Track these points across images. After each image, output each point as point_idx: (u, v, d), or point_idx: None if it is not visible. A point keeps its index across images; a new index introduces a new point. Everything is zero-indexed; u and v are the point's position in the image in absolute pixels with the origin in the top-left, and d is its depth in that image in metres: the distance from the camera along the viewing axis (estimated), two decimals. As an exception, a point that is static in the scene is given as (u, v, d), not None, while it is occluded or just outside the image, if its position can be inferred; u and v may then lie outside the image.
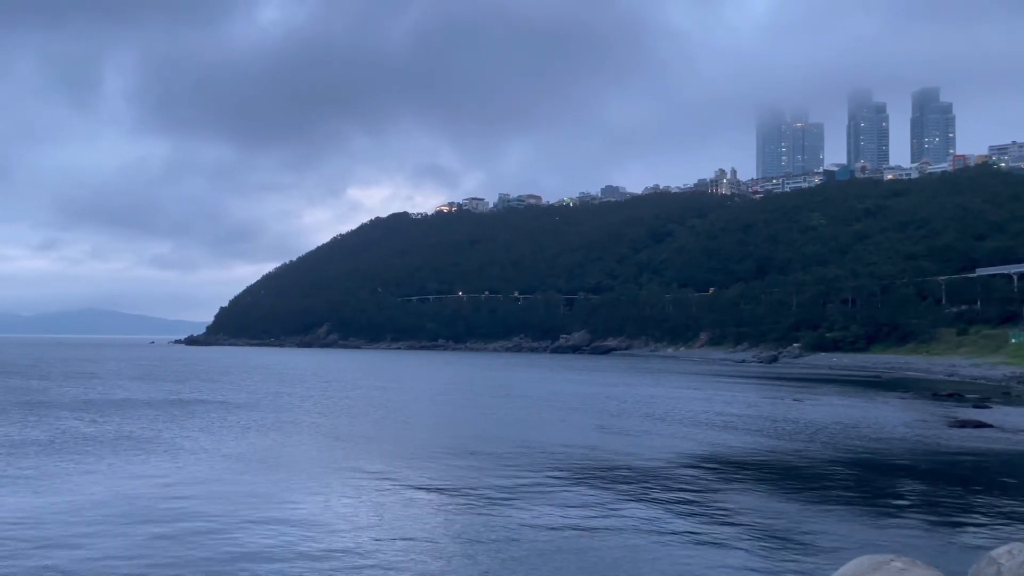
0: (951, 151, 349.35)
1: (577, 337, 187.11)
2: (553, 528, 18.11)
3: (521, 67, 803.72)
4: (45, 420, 38.18)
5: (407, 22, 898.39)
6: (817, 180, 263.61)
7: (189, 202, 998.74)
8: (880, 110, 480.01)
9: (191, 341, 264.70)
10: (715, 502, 21.08)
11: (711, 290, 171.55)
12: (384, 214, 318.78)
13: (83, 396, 52.04)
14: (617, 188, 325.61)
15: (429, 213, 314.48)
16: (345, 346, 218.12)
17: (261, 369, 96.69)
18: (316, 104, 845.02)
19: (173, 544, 16.40)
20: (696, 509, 20.19)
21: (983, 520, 19.31)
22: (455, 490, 22.47)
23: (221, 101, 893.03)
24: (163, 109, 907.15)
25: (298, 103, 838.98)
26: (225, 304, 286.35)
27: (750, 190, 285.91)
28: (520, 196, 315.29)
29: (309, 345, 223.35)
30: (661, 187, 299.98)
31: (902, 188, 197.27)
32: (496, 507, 20.22)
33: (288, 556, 15.78)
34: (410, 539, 17.17)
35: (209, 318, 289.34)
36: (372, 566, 15.25)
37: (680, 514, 19.60)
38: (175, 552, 15.85)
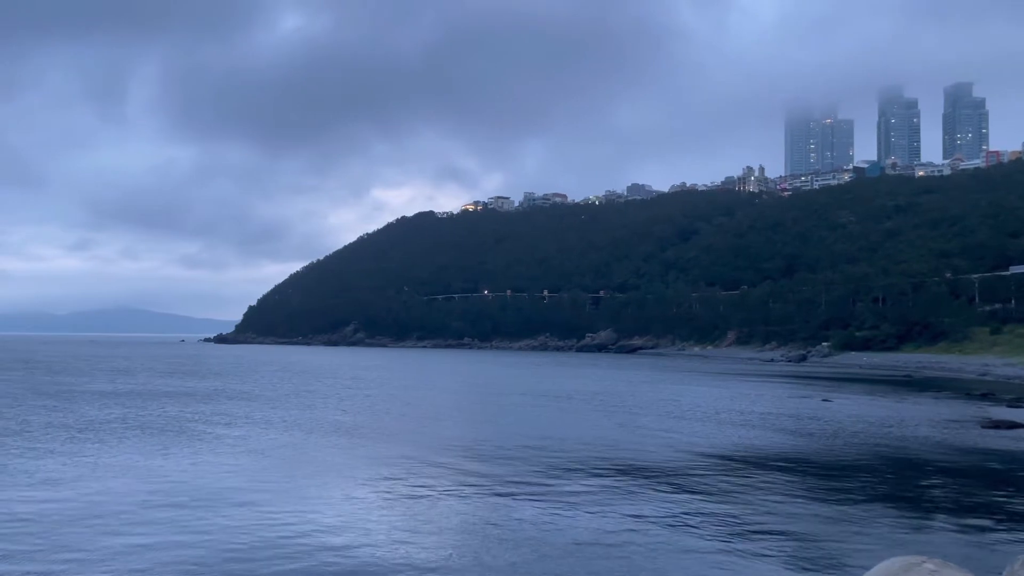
0: (984, 147, 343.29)
1: (603, 336, 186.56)
2: (576, 528, 17.98)
3: (536, 70, 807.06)
4: (85, 412, 38.77)
5: (423, 28, 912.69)
6: (847, 177, 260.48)
7: (217, 203, 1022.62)
8: (911, 106, 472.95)
9: (220, 339, 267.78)
10: (743, 502, 20.81)
11: (744, 288, 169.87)
12: (409, 214, 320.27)
13: (126, 390, 52.83)
14: (643, 186, 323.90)
15: (455, 212, 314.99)
16: (372, 345, 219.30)
17: (290, 367, 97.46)
18: (337, 109, 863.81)
19: (199, 536, 16.52)
20: (724, 509, 19.95)
21: (1016, 522, 18.87)
22: (480, 487, 22.40)
23: (245, 107, 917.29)
24: (189, 115, 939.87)
25: (319, 108, 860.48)
26: (253, 303, 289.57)
27: (778, 188, 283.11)
28: (545, 195, 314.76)
29: (336, 344, 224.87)
30: (688, 185, 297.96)
31: (934, 185, 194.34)
32: (520, 505, 20.12)
33: (310, 551, 15.80)
34: (433, 534, 17.14)
35: (238, 317, 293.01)
36: (396, 562, 15.23)
37: (707, 514, 19.37)
38: (199, 543, 15.96)
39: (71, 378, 69.42)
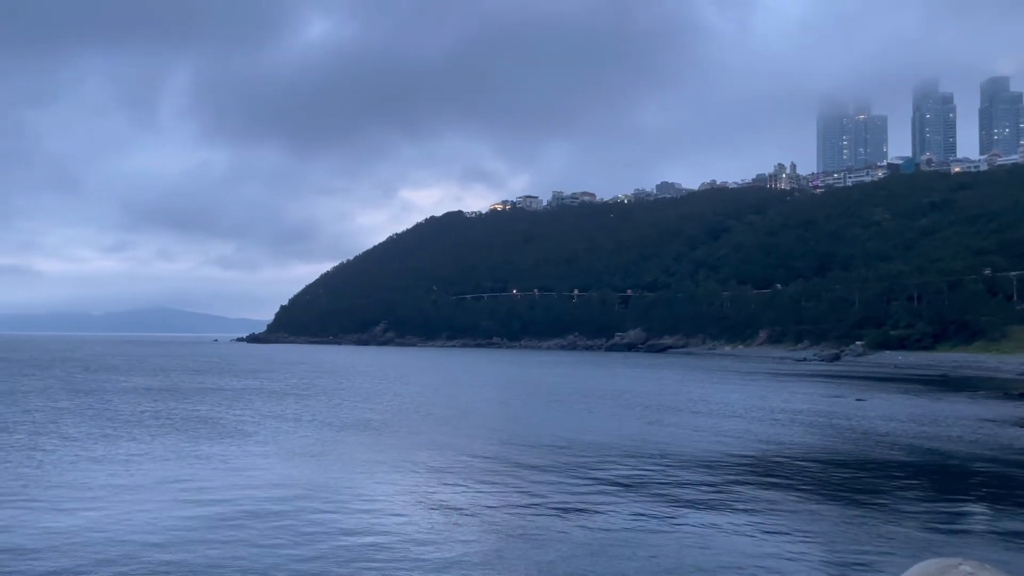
0: (1022, 142, 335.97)
1: (632, 335, 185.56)
2: (603, 527, 17.90)
3: (560, 70, 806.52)
4: (131, 407, 39.46)
5: (447, 31, 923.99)
6: (880, 174, 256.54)
7: (249, 205, 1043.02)
8: (947, 101, 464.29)
9: (252, 339, 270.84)
10: (774, 502, 20.58)
11: (777, 287, 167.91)
12: (438, 214, 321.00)
13: (161, 387, 53.72)
14: (673, 184, 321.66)
15: (483, 212, 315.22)
16: (401, 344, 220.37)
17: (321, 366, 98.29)
18: (364, 112, 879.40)
19: (231, 528, 16.70)
20: (754, 509, 19.74)
21: (1058, 524, 18.43)
22: (507, 485, 22.40)
23: (275, 112, 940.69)
24: (221, 120, 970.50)
25: (347, 112, 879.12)
26: (285, 303, 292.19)
27: (811, 185, 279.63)
28: (574, 194, 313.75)
29: (366, 343, 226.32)
30: (718, 183, 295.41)
31: (970, 181, 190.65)
32: (547, 503, 20.09)
33: (336, 544, 15.91)
34: (458, 531, 17.17)
35: (270, 316, 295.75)
36: (422, 558, 15.27)
37: (737, 514, 19.18)
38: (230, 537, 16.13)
39: (110, 375, 70.66)
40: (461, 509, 19.53)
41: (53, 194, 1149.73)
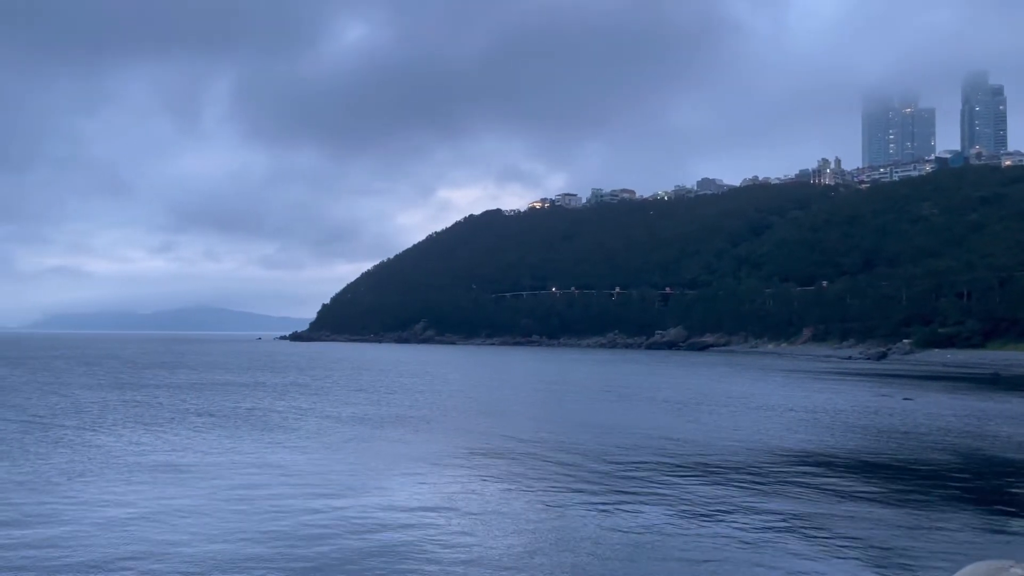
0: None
1: (673, 333, 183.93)
2: (640, 529, 17.70)
3: (595, 69, 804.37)
4: (196, 402, 40.27)
5: (481, 33, 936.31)
6: (928, 168, 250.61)
7: (291, 206, 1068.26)
8: (997, 92, 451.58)
9: (295, 337, 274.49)
10: (818, 503, 20.17)
11: (824, 283, 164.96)
12: (476, 212, 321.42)
13: (208, 382, 54.76)
14: (713, 180, 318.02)
15: (522, 210, 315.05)
16: (441, 342, 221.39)
17: (362, 363, 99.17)
18: (401, 115, 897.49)
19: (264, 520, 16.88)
20: (797, 510, 19.37)
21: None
22: (543, 484, 22.30)
23: (314, 115, 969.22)
24: (262, 124, 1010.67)
25: (384, 115, 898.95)
26: (327, 301, 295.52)
27: (856, 180, 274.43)
28: (613, 191, 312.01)
29: (406, 341, 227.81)
30: (760, 179, 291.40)
31: (1022, 174, 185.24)
32: (583, 502, 19.94)
33: (372, 539, 15.97)
34: (491, 530, 17.11)
35: (312, 315, 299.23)
36: (455, 557, 15.26)
37: (780, 515, 18.83)
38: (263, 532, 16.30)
39: (158, 372, 72.16)
40: (493, 508, 19.48)
41: (102, 197, 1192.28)
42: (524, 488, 21.76)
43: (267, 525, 17.34)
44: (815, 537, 16.78)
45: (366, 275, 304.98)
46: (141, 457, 26.03)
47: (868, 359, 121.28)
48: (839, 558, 15.35)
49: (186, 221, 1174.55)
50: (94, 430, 32.52)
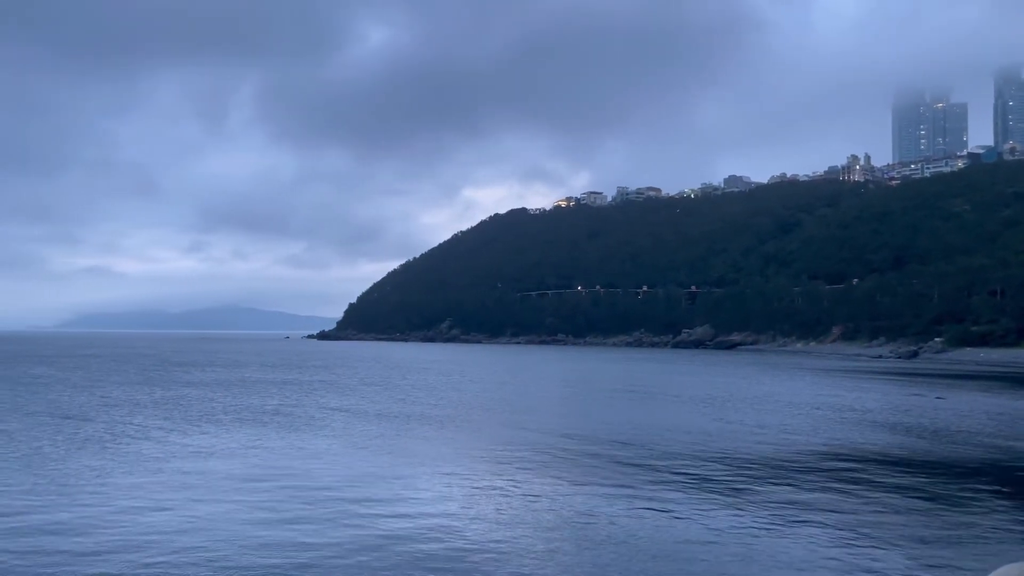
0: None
1: (700, 332, 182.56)
2: (667, 528, 17.53)
3: (618, 68, 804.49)
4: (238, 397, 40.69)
5: (502, 34, 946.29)
6: (960, 164, 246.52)
7: (317, 207, 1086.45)
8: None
9: (322, 336, 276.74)
10: (850, 503, 19.85)
11: (855, 281, 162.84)
12: (501, 211, 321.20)
13: (238, 380, 55.32)
14: (741, 178, 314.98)
15: (547, 209, 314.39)
16: (467, 341, 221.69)
17: (390, 363, 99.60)
18: (424, 116, 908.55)
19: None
20: (829, 511, 19.06)
21: None
22: (568, 483, 22.18)
23: (339, 117, 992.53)
24: (288, 126, 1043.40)
25: (408, 117, 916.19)
26: (354, 300, 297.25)
27: (886, 176, 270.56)
28: (639, 189, 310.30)
29: (432, 340, 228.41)
30: (788, 176, 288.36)
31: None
32: (609, 502, 19.80)
33: (396, 537, 15.95)
34: (514, 528, 17.03)
35: (339, 314, 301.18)
36: (479, 556, 15.18)
37: (811, 515, 18.55)
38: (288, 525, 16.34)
39: (189, 370, 73.00)
40: (517, 506, 19.40)
41: (133, 199, 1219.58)
42: (547, 486, 21.65)
43: (292, 523, 17.40)
44: (843, 536, 16.49)
45: (392, 274, 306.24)
46: (170, 454, 26.29)
47: (899, 358, 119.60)
48: (868, 559, 15.07)
49: (215, 222, 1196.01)
50: (124, 427, 32.92)
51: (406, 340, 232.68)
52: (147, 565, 14.32)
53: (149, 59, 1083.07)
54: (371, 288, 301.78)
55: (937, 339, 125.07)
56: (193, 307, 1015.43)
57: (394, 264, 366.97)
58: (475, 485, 21.81)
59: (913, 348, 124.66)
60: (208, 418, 36.64)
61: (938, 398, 50.05)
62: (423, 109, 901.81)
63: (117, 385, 56.47)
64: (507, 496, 20.39)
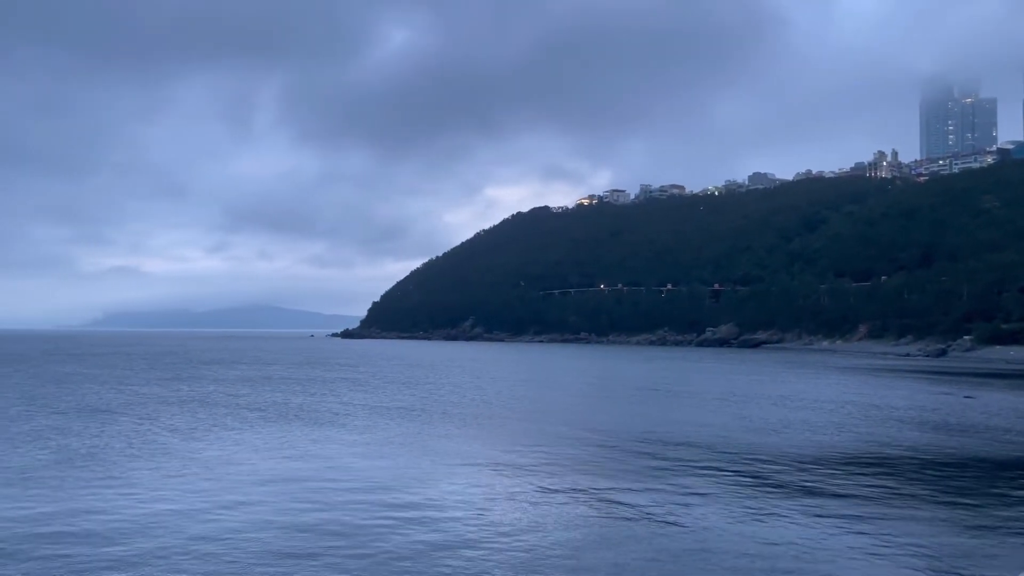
0: None
1: (724, 330, 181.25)
2: (688, 529, 17.41)
3: (638, 66, 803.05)
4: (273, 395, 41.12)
5: (521, 35, 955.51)
6: (990, 160, 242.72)
7: (340, 206, 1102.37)
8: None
9: (346, 334, 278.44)
10: (874, 503, 19.61)
11: (883, 278, 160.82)
12: (523, 210, 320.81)
13: (265, 377, 55.82)
14: (765, 175, 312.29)
15: (569, 207, 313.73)
16: (489, 339, 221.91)
17: (414, 361, 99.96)
18: (445, 117, 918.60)
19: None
20: (854, 511, 18.84)
21: None
22: (591, 482, 22.11)
23: (361, 119, 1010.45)
24: (311, 127, 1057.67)
25: (429, 117, 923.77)
26: (377, 299, 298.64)
27: (913, 172, 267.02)
28: (662, 186, 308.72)
29: (455, 338, 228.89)
30: (814, 172, 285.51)
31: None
32: (631, 502, 19.71)
33: (420, 534, 15.98)
34: (535, 527, 17.00)
35: (363, 312, 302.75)
36: (499, 557, 15.17)
37: (836, 516, 18.35)
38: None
39: (217, 368, 73.76)
40: (539, 504, 19.36)
41: (160, 200, 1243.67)
42: (570, 485, 21.60)
43: (312, 518, 17.50)
44: (868, 537, 16.29)
45: (415, 273, 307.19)
46: (195, 449, 26.56)
47: (927, 356, 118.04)
48: (892, 560, 14.87)
49: (240, 222, 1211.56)
50: (151, 423, 33.31)
51: (429, 338, 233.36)
52: (172, 560, 14.47)
53: (176, 64, 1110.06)
54: (394, 287, 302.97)
55: (966, 337, 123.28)
56: (219, 306, 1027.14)
57: (417, 263, 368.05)
58: (496, 483, 21.81)
59: (941, 346, 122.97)
60: (234, 415, 36.97)
61: (967, 397, 49.32)
62: (444, 110, 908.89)
63: (145, 383, 57.19)
64: (528, 494, 20.35)
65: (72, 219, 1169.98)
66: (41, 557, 14.63)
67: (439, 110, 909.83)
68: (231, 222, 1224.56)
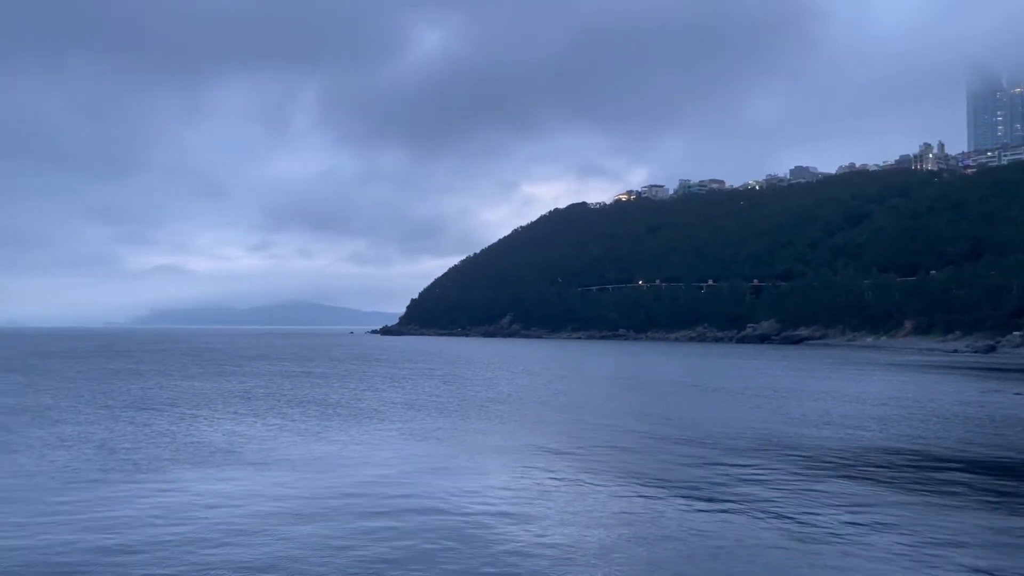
0: None
1: (765, 326, 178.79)
2: (725, 528, 17.17)
3: (675, 61, 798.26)
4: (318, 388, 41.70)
5: (554, 32, 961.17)
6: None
7: (378, 205, 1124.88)
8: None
9: (385, 331, 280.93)
10: (916, 504, 19.15)
11: (932, 272, 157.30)
12: (561, 206, 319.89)
13: (303, 371, 56.57)
14: (807, 168, 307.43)
15: (607, 203, 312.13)
16: (527, 336, 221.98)
17: (454, 357, 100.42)
18: (480, 116, 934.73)
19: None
20: (896, 514, 18.41)
21: None
22: (626, 479, 21.95)
23: (397, 119, 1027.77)
24: (349, 128, 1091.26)
25: (464, 116, 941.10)
26: (415, 296, 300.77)
27: (961, 164, 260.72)
28: (701, 181, 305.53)
29: (493, 335, 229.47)
30: (857, 165, 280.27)
31: None
32: (666, 500, 19.51)
33: (455, 531, 15.99)
34: (568, 525, 16.90)
35: (401, 309, 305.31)
36: (529, 552, 15.10)
37: (875, 516, 17.95)
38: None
39: (261, 363, 74.89)
40: (573, 501, 19.25)
41: (203, 200, 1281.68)
42: (605, 481, 21.46)
43: (352, 512, 17.61)
44: (908, 539, 15.90)
45: (453, 270, 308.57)
46: (238, 443, 26.94)
47: (975, 352, 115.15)
48: (933, 565, 14.48)
49: (280, 221, 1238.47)
50: (194, 418, 33.90)
51: (467, 335, 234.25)
52: (210, 542, 14.68)
53: (216, 69, 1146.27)
54: (432, 284, 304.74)
55: (1016, 332, 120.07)
56: (260, 303, 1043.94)
57: (454, 260, 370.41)
58: (531, 479, 21.74)
59: (990, 342, 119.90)
60: (274, 411, 37.45)
61: (1016, 394, 48.00)
62: (478, 110, 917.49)
63: (190, 378, 58.26)
64: (561, 490, 20.26)
65: (118, 219, 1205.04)
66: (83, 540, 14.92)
67: (474, 110, 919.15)
68: (272, 221, 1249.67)
